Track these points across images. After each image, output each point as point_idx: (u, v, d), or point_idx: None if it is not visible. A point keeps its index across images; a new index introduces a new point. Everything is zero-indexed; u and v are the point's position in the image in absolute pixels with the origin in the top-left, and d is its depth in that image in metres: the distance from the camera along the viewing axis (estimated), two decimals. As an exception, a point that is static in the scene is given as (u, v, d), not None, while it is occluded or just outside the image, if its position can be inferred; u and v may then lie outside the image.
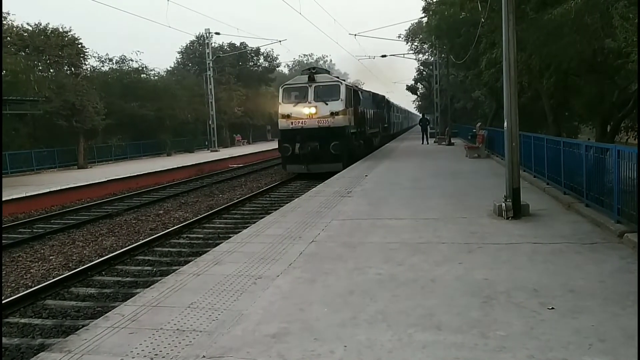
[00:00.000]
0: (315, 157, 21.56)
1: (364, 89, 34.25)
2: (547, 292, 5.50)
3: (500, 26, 10.24)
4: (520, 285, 5.73)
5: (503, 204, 9.52)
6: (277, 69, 64.73)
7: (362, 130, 26.28)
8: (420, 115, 48.92)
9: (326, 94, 22.06)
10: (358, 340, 4.50)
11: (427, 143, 35.88)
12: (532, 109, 24.83)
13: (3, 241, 12.44)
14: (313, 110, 21.72)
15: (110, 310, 5.54)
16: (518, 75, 11.22)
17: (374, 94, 35.33)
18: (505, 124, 9.89)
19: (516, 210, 9.47)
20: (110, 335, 4.77)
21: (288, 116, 21.93)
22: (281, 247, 7.92)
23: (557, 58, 15.87)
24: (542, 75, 18.13)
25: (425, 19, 34.84)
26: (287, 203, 12.67)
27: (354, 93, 24.72)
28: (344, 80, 24.80)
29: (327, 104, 21.73)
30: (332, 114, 21.65)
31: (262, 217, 11.61)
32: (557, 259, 6.80)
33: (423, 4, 31.94)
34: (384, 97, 40.03)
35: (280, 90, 23.06)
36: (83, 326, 5.01)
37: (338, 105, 21.86)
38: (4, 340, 6.80)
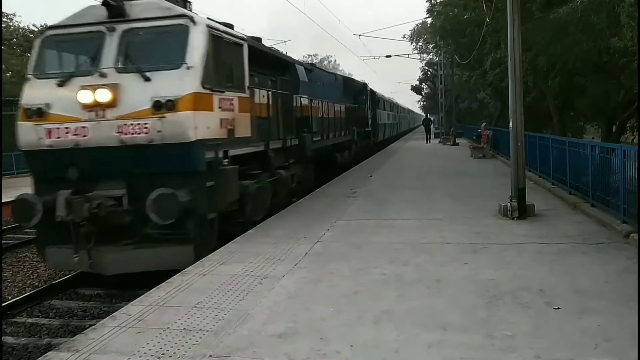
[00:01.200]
0: (110, 230, 8.16)
1: (319, 66, 22.73)
2: (553, 292, 5.49)
3: (505, 26, 10.23)
4: (525, 286, 5.73)
5: (508, 204, 9.50)
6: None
7: (299, 143, 13.41)
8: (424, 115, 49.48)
9: (149, 50, 8.60)
10: (364, 340, 4.51)
11: (430, 142, 37.70)
12: (537, 109, 24.84)
13: (10, 241, 12.49)
14: (106, 95, 8.02)
15: (117, 310, 5.57)
16: (523, 75, 11.22)
17: (345, 78, 24.08)
18: (511, 123, 9.88)
19: (521, 210, 9.45)
20: (117, 335, 4.79)
21: (40, 114, 8.34)
22: (286, 247, 7.93)
23: (562, 58, 15.87)
24: (547, 75, 18.11)
25: (429, 20, 34.92)
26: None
27: (259, 56, 11.11)
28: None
29: (148, 80, 8.09)
30: (160, 106, 7.91)
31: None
32: (563, 259, 6.79)
33: (427, 4, 31.93)
34: (365, 85, 26.73)
35: (36, 45, 9.25)
36: (90, 326, 5.03)
37: (180, 82, 8.07)
38: (12, 340, 6.84)
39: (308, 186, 14.67)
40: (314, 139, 14.77)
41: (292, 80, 13.76)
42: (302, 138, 13.70)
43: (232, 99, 9.23)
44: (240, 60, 9.80)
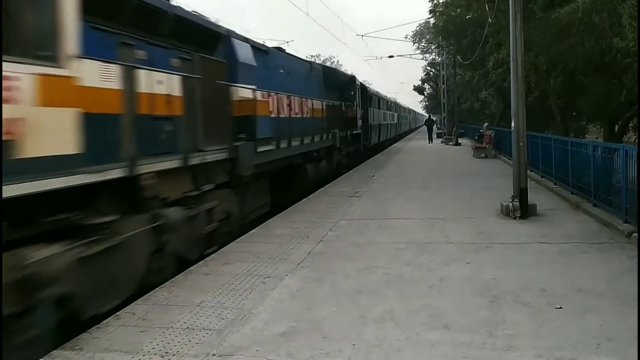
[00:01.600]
0: None
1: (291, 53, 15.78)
2: (555, 291, 5.51)
3: (507, 26, 10.25)
4: (528, 285, 5.74)
5: (510, 204, 9.51)
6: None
7: (229, 157, 9.00)
8: (427, 115, 49.86)
9: None
10: (366, 339, 4.53)
11: (432, 142, 38.54)
12: (540, 109, 24.82)
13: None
14: None
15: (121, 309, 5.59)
16: (525, 75, 11.25)
17: (325, 69, 19.41)
18: (513, 123, 9.90)
19: (523, 210, 9.46)
20: (121, 334, 4.81)
21: None
22: (289, 246, 7.95)
23: (564, 58, 15.87)
24: (549, 75, 18.12)
25: (432, 20, 34.95)
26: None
27: (148, 13, 7.20)
28: None
29: None
30: None
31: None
32: (565, 258, 6.81)
33: (429, 5, 31.99)
34: (353, 79, 22.47)
35: None
36: (94, 324, 5.05)
37: None
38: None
39: (255, 217, 10.48)
40: (262, 148, 10.22)
41: (227, 61, 9.42)
42: (234, 149, 9.15)
43: (14, 78, 4.30)
44: (49, 5, 4.84)
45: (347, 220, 9.85)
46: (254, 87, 10.07)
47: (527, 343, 4.31)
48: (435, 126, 45.28)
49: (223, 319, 5.10)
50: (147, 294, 5.95)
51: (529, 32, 14.62)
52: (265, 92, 10.80)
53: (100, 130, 5.57)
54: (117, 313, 5.36)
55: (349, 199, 12.39)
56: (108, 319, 5.19)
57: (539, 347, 4.23)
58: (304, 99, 13.98)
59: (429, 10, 32.23)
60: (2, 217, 4.13)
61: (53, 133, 4.77)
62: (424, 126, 52.91)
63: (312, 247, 7.84)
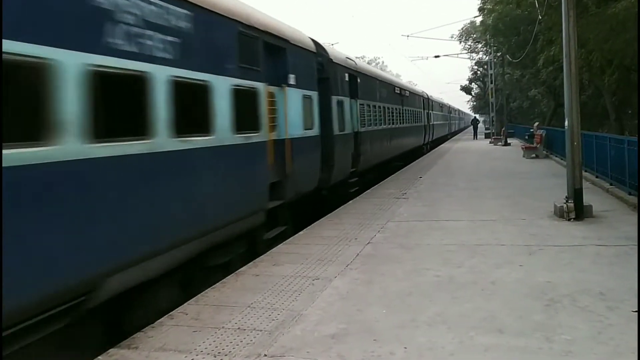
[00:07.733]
0: None
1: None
2: (614, 295, 5.32)
3: (559, 23, 9.97)
4: (585, 289, 5.56)
5: (564, 205, 9.24)
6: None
7: None
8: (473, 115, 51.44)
9: None
10: (418, 342, 4.48)
11: (477, 138, 44.46)
12: (593, 108, 24.08)
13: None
14: None
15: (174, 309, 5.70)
16: (578, 72, 10.94)
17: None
18: (567, 122, 9.62)
19: (578, 211, 9.18)
20: (175, 333, 4.91)
21: None
22: (337, 248, 7.94)
23: (619, 54, 15.36)
24: (604, 72, 17.56)
25: (479, 18, 34.41)
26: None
27: None
28: None
29: None
30: None
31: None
32: (623, 261, 6.56)
33: (477, 3, 31.49)
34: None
35: None
36: (148, 324, 5.17)
37: None
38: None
39: None
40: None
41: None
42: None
43: None
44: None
45: (395, 222, 9.77)
46: None
47: (586, 348, 4.17)
48: (483, 125, 47.67)
49: (273, 320, 5.14)
50: (199, 295, 6.05)
51: (582, 28, 14.21)
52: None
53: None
54: (171, 313, 5.47)
55: (396, 201, 12.29)
56: (162, 318, 5.31)
57: (599, 352, 4.09)
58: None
59: (478, 8, 31.72)
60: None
61: None
62: (470, 126, 55.33)
63: (360, 249, 7.81)
